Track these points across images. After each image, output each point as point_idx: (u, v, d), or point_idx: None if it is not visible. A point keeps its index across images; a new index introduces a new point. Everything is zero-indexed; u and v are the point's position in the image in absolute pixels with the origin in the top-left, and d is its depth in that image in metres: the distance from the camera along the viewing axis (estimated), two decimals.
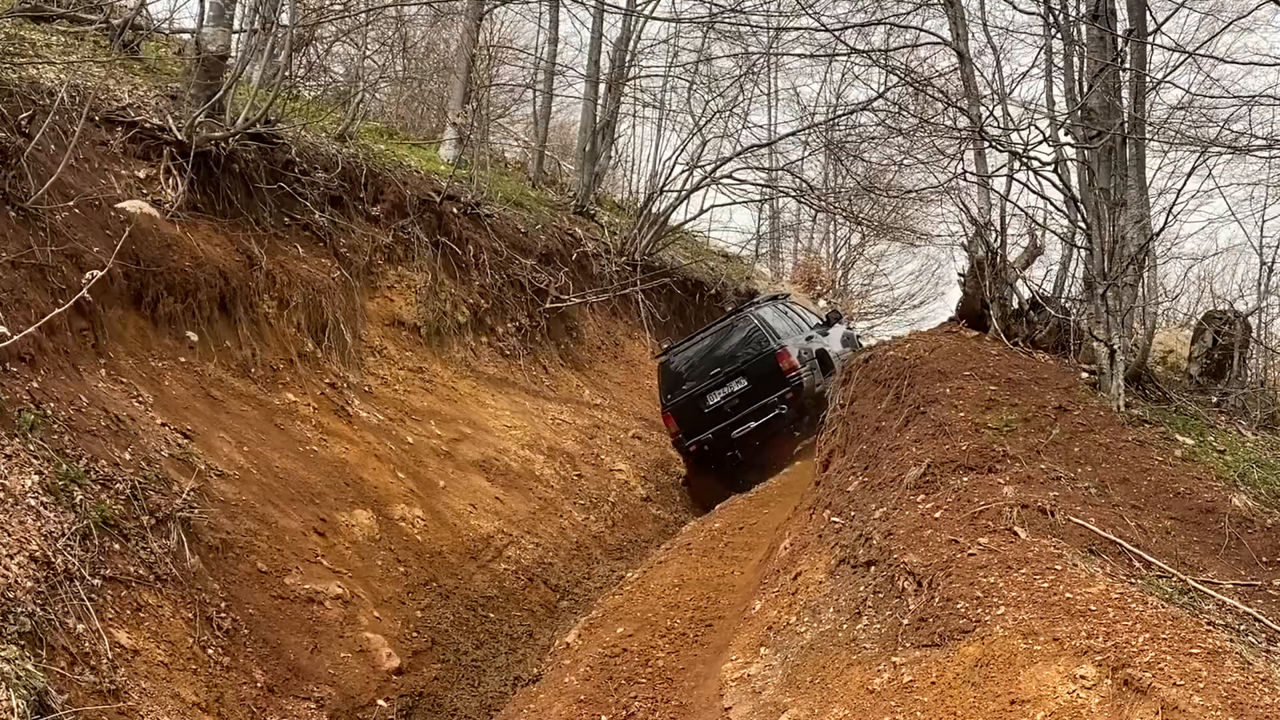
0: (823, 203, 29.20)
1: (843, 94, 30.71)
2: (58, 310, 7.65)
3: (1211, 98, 12.20)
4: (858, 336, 21.38)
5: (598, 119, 24.74)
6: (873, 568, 8.75)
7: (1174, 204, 10.92)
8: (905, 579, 8.20)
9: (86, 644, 7.32)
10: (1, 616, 6.54)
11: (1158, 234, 11.35)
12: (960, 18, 13.14)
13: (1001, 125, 12.42)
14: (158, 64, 15.51)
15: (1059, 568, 7.50)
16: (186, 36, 15.22)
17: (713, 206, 27.49)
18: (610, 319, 22.34)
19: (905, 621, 7.85)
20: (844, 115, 23.00)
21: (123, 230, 10.55)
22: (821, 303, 35.76)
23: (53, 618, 7.09)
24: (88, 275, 8.09)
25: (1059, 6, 12.00)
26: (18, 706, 5.93)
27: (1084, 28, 11.35)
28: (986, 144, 12.50)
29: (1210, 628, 6.75)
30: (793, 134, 26.53)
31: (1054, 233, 13.20)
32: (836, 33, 13.88)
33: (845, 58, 18.85)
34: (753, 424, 16.99)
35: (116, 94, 13.20)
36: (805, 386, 16.95)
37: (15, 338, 7.42)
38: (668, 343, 18.54)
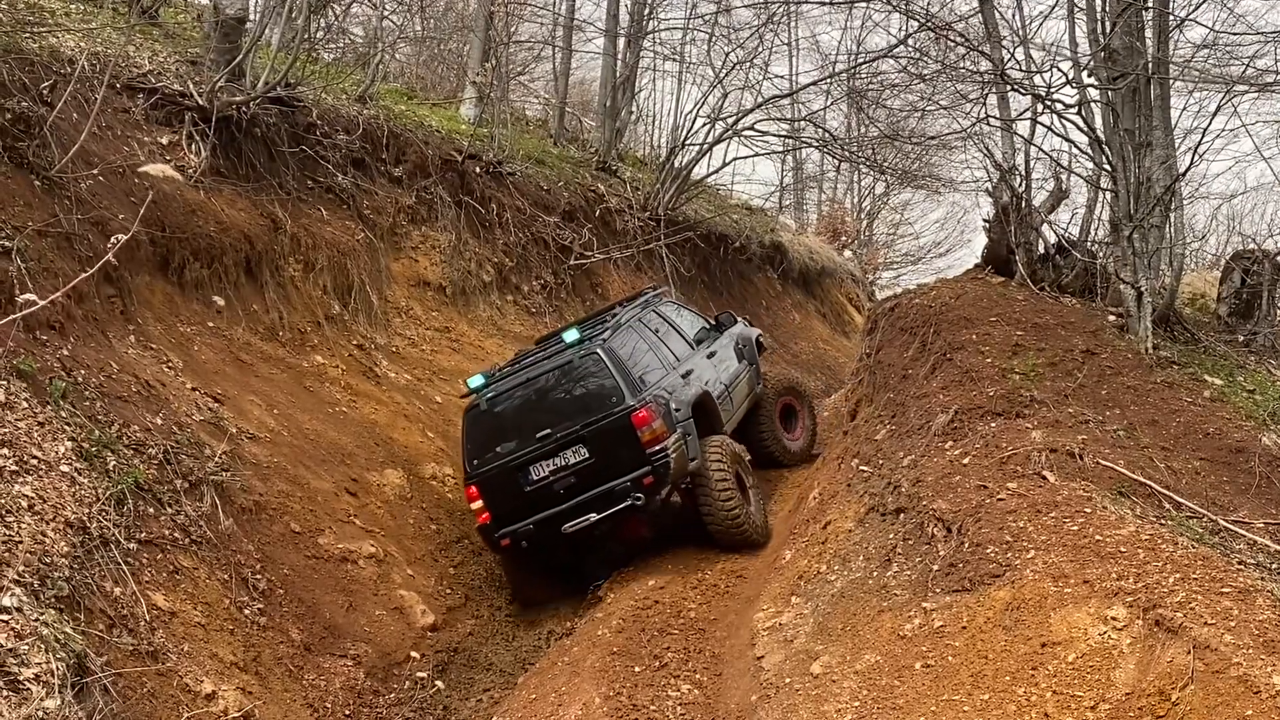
0: (846, 152, 28.91)
1: (863, 42, 30.30)
2: (82, 276, 7.70)
3: (1235, 34, 12.09)
4: (759, 337, 15.77)
5: (618, 74, 24.53)
6: (902, 515, 8.78)
7: (1200, 144, 10.78)
8: (935, 525, 8.22)
9: (124, 607, 7.43)
10: (40, 581, 6.62)
11: (1184, 174, 11.27)
12: None
13: (1024, 68, 12.33)
14: (177, 29, 15.53)
15: (1088, 510, 7.51)
16: (204, 1, 15.19)
17: (735, 159, 27.30)
18: (635, 275, 22.24)
19: (935, 567, 7.88)
20: (865, 63, 22.69)
21: (146, 197, 10.59)
22: (847, 253, 35.56)
23: (90, 582, 7.19)
24: (112, 240, 8.10)
25: None
26: (58, 669, 6.02)
27: None
28: (1009, 88, 12.42)
29: (1241, 567, 6.75)
30: (814, 84, 26.26)
31: (1079, 175, 13.15)
32: None
33: (865, 3, 18.55)
34: (593, 516, 11.35)
35: (137, 61, 13.24)
36: (674, 466, 11.27)
37: (42, 304, 7.48)
38: (486, 373, 12.27)
